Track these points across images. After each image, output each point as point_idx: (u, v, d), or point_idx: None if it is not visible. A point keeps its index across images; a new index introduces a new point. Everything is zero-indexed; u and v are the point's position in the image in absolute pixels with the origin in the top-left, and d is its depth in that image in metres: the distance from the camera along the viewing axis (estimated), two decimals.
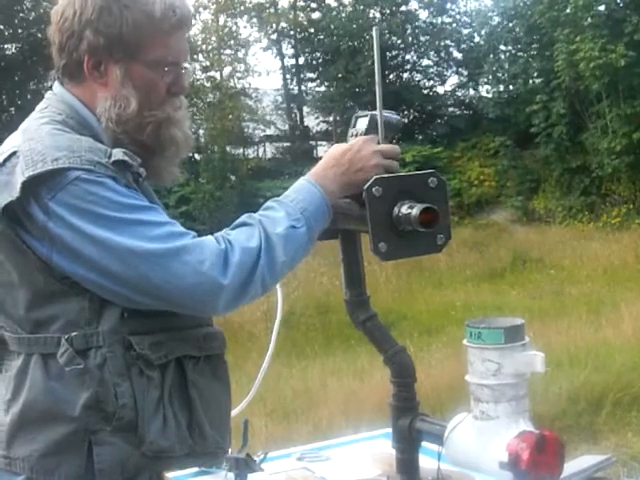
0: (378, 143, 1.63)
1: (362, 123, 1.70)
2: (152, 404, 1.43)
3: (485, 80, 22.38)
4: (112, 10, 1.46)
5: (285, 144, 24.69)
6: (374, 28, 1.69)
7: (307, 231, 1.49)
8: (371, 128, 1.66)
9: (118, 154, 1.42)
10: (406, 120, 24.71)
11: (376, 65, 1.68)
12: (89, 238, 1.37)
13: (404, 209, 1.56)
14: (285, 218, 1.47)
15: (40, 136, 1.42)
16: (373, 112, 1.69)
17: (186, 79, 1.58)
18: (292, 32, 24.83)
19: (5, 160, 1.43)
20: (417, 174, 1.63)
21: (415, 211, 1.54)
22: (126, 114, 1.48)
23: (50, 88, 1.57)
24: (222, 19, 24.48)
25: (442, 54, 24.43)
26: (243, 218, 1.49)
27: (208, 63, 23.92)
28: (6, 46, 20.58)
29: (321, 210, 1.52)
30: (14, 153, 1.42)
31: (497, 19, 21.97)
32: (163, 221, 1.42)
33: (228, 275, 1.39)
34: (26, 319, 1.45)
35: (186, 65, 1.58)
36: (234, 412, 1.91)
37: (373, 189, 1.57)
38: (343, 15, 24.11)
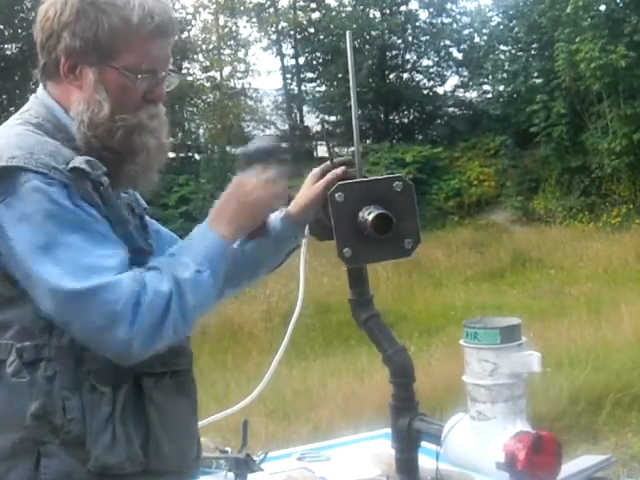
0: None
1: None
2: (101, 420, 1.41)
3: (485, 80, 22.39)
4: (89, 14, 1.46)
5: (285, 144, 24.66)
6: (347, 32, 1.71)
7: (211, 274, 1.46)
8: (247, 161, 1.60)
9: (77, 161, 1.41)
10: (406, 120, 24.74)
11: (350, 70, 1.69)
12: (19, 255, 1.37)
13: (365, 214, 1.56)
14: (191, 263, 1.44)
15: (8, 135, 1.44)
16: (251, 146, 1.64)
17: (165, 87, 1.56)
18: (292, 32, 24.83)
19: None
20: (381, 178, 1.65)
21: (370, 217, 1.55)
22: (98, 118, 1.48)
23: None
24: (222, 19, 24.48)
25: (442, 54, 24.42)
26: (153, 262, 1.45)
27: (208, 63, 23.92)
28: (6, 46, 20.58)
29: (221, 253, 1.49)
30: None
31: (497, 19, 21.98)
32: (93, 250, 1.37)
33: (138, 317, 1.35)
34: None
35: (169, 73, 1.56)
36: (237, 407, 1.91)
37: (336, 195, 1.58)
38: (343, 15, 24.11)
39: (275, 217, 1.82)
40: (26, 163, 1.37)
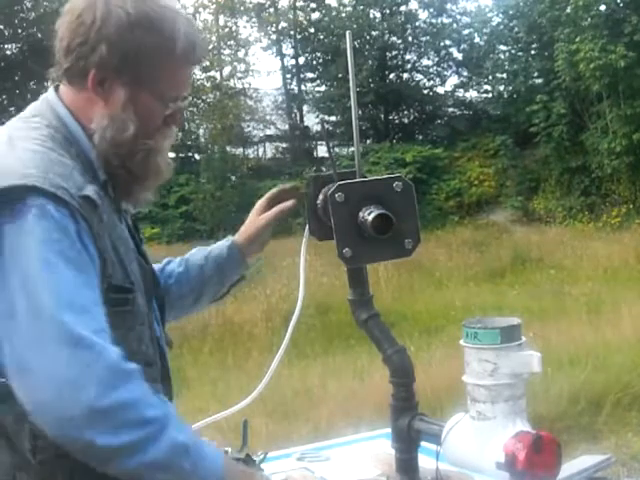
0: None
1: None
2: None
3: (485, 80, 22.41)
4: (134, 33, 1.40)
5: (285, 144, 24.71)
6: (347, 32, 1.71)
7: (190, 470, 1.31)
8: None
9: (89, 190, 1.36)
10: (406, 120, 24.76)
11: (350, 70, 1.69)
12: (8, 278, 1.27)
13: (365, 214, 1.57)
14: (189, 442, 1.32)
15: (23, 148, 1.36)
16: None
17: (183, 110, 1.55)
18: (292, 32, 24.85)
19: None
20: (381, 178, 1.65)
21: (369, 217, 1.55)
22: (121, 138, 1.44)
23: (51, 86, 1.50)
24: (222, 19, 24.52)
25: (442, 54, 24.46)
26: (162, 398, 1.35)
27: (208, 63, 23.93)
28: (6, 46, 20.59)
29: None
30: None
31: (497, 19, 22.02)
32: (85, 291, 1.30)
33: (106, 398, 1.23)
34: None
35: (187, 95, 1.55)
36: (237, 407, 1.91)
37: (336, 195, 1.58)
38: (343, 15, 24.14)
39: (221, 245, 1.83)
40: (40, 183, 1.30)
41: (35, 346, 1.24)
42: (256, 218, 1.82)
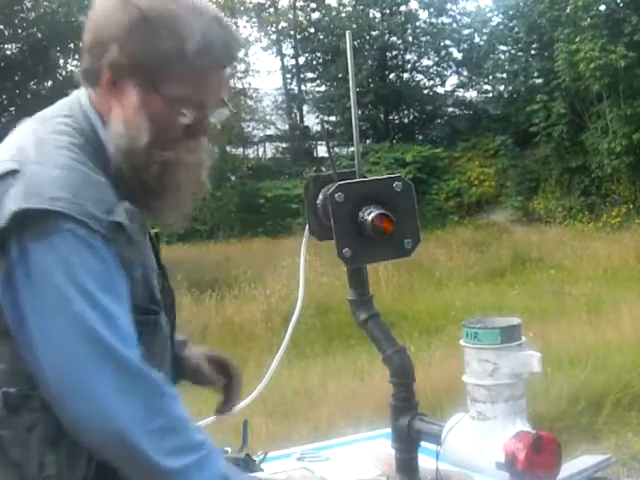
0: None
1: None
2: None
3: (485, 80, 22.43)
4: (144, 32, 1.34)
5: (285, 144, 24.71)
6: (347, 32, 1.72)
7: None
8: None
9: (119, 215, 1.30)
10: (406, 120, 24.76)
11: (350, 70, 1.69)
12: (57, 297, 1.24)
13: (365, 214, 1.57)
14: (228, 473, 1.33)
15: (52, 163, 1.29)
16: None
17: (211, 122, 1.44)
18: (292, 32, 24.86)
19: (6, 174, 1.28)
20: (381, 178, 1.66)
21: (369, 217, 1.56)
22: (135, 147, 1.35)
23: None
24: None
25: (442, 54, 24.47)
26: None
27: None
28: (6, 46, 20.56)
29: None
30: (17, 171, 1.27)
31: (497, 19, 22.04)
32: (124, 319, 1.28)
33: (156, 420, 1.25)
34: None
35: (222, 104, 1.45)
36: (237, 407, 1.91)
37: (335, 195, 1.59)
38: (343, 15, 24.15)
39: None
40: (68, 210, 1.24)
41: (85, 373, 1.23)
42: (194, 353, 1.76)
